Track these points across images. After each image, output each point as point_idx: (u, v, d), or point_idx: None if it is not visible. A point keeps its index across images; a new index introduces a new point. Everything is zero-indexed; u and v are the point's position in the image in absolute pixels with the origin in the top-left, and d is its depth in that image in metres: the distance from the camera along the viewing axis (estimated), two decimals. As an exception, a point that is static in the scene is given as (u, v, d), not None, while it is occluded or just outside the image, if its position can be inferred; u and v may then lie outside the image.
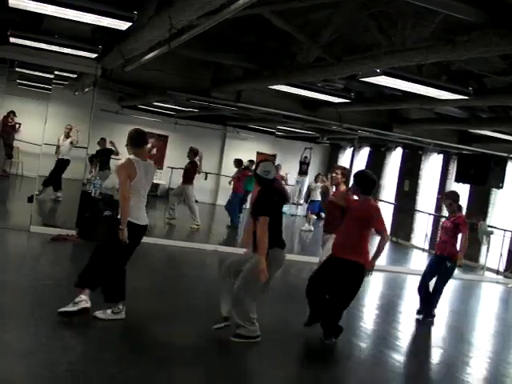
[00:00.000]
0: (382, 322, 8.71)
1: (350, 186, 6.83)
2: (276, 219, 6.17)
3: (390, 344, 7.39)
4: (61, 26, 8.08)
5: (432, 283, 8.69)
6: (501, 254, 14.75)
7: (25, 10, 6.61)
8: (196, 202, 14.26)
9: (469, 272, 13.30)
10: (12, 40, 8.73)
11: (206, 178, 18.10)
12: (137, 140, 6.19)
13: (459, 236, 8.51)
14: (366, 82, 7.87)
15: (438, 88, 7.49)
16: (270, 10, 7.05)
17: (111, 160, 15.01)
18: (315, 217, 18.42)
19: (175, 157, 19.51)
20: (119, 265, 6.16)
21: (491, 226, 15.10)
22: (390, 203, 19.30)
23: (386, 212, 19.45)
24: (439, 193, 17.23)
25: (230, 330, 6.24)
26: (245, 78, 10.62)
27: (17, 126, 18.17)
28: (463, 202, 15.34)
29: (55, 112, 13.83)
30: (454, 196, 8.64)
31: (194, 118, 19.59)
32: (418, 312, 8.72)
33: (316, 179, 18.06)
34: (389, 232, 10.02)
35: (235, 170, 16.05)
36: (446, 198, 8.76)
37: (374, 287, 11.02)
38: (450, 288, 11.54)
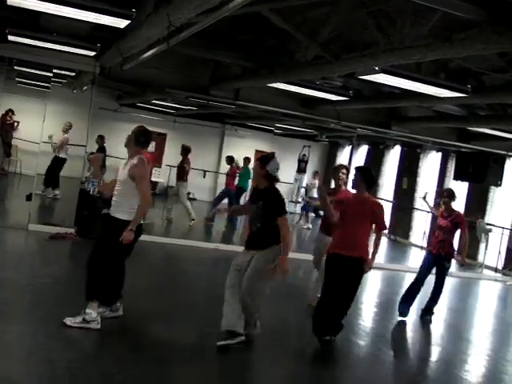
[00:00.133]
0: (381, 319, 8.72)
1: (352, 179, 6.77)
2: None
3: (389, 342, 7.41)
4: (59, 24, 8.07)
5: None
6: (499, 252, 14.77)
7: (23, 8, 6.61)
8: (194, 199, 14.26)
9: (467, 270, 13.31)
10: (10, 38, 8.72)
11: (204, 176, 18.12)
12: (145, 138, 6.03)
13: (456, 234, 8.50)
14: (365, 80, 7.86)
15: (436, 86, 7.49)
16: (269, 7, 7.05)
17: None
18: (313, 215, 18.40)
19: (174, 155, 19.45)
20: (117, 265, 6.03)
21: (489, 224, 15.11)
22: (388, 201, 19.30)
23: (385, 210, 19.48)
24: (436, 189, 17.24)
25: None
26: (243, 75, 10.62)
27: (15, 124, 18.18)
28: (462, 200, 15.42)
29: (54, 110, 13.83)
30: (450, 194, 8.56)
31: (192, 115, 19.60)
32: (425, 312, 8.67)
33: (314, 177, 18.08)
34: (387, 230, 10.06)
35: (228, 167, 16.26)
36: (443, 195, 8.67)
37: (372, 285, 11.03)
38: (449, 286, 11.55)
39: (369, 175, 6.68)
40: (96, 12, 6.20)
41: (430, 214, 17.43)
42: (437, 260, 8.44)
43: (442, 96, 8.09)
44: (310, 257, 8.59)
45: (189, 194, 19.56)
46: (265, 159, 6.11)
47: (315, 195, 16.93)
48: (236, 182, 16.20)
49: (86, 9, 6.13)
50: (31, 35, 8.44)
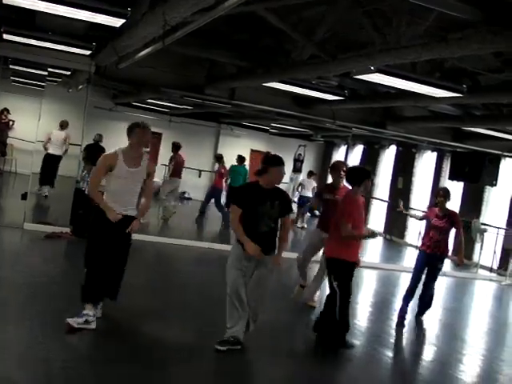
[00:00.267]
0: (376, 319, 8.72)
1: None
2: None
3: (384, 342, 7.41)
4: (54, 23, 8.04)
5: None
6: (494, 252, 14.80)
7: (19, 7, 6.59)
8: (189, 199, 14.23)
9: (462, 269, 13.31)
10: (5, 37, 8.70)
11: (199, 176, 18.11)
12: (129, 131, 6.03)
13: (450, 234, 8.47)
14: (360, 80, 7.85)
15: (431, 86, 7.51)
16: (264, 7, 7.05)
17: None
18: (309, 214, 18.39)
19: (169, 154, 19.44)
20: (100, 259, 5.82)
21: (485, 224, 15.13)
22: (383, 201, 19.33)
23: (380, 210, 19.52)
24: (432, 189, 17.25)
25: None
26: (239, 75, 10.61)
27: (10, 123, 18.09)
28: (457, 199, 15.44)
29: (49, 109, 13.76)
30: (446, 193, 8.51)
31: (187, 115, 19.57)
32: (419, 313, 8.65)
33: (309, 176, 18.08)
34: (382, 230, 10.03)
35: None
36: (439, 194, 8.60)
37: (367, 285, 11.04)
38: (444, 286, 11.59)
39: (351, 175, 6.79)
40: (91, 11, 6.18)
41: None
42: (430, 260, 8.35)
43: (438, 96, 8.10)
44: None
45: (184, 193, 19.59)
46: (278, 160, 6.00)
47: (310, 194, 16.94)
48: (228, 181, 16.00)
49: (82, 8, 6.12)
50: (26, 34, 8.42)
